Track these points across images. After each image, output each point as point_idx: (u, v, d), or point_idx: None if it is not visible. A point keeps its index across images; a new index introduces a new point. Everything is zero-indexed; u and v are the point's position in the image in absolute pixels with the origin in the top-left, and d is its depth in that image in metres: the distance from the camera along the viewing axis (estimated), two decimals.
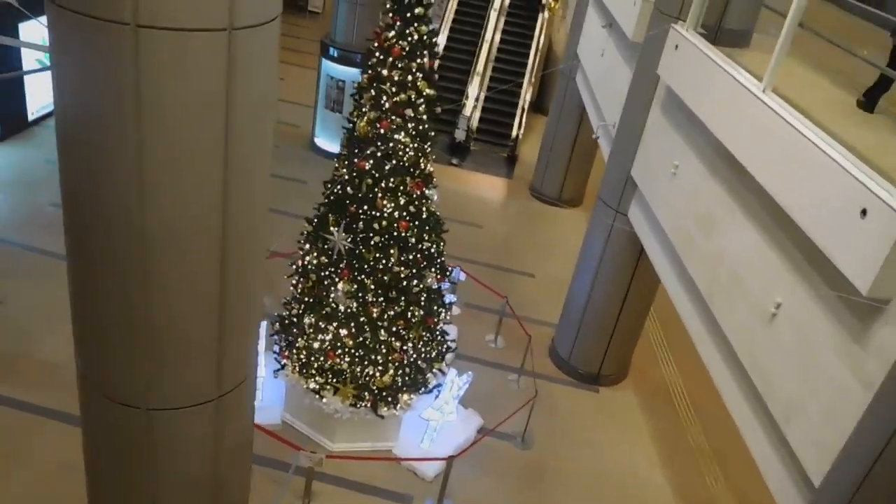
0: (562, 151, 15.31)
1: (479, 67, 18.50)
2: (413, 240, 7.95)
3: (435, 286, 8.60)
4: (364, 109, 7.63)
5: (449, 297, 10.49)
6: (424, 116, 7.66)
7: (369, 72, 7.55)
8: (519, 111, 18.21)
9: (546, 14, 19.72)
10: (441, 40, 19.24)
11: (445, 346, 9.10)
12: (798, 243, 5.50)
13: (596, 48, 12.22)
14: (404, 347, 8.36)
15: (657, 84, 8.64)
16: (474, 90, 18.18)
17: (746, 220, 6.36)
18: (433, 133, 7.87)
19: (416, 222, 7.95)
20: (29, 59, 13.87)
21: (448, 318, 9.11)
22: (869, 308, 4.58)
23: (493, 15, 19.40)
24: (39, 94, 14.60)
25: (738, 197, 6.58)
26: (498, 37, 19.41)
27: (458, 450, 8.80)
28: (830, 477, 4.70)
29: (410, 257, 8.02)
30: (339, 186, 7.93)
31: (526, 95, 18.50)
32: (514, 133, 17.88)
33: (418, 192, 7.89)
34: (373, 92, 7.51)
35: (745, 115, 6.12)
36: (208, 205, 3.89)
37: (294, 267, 8.61)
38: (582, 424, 10.10)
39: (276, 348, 8.92)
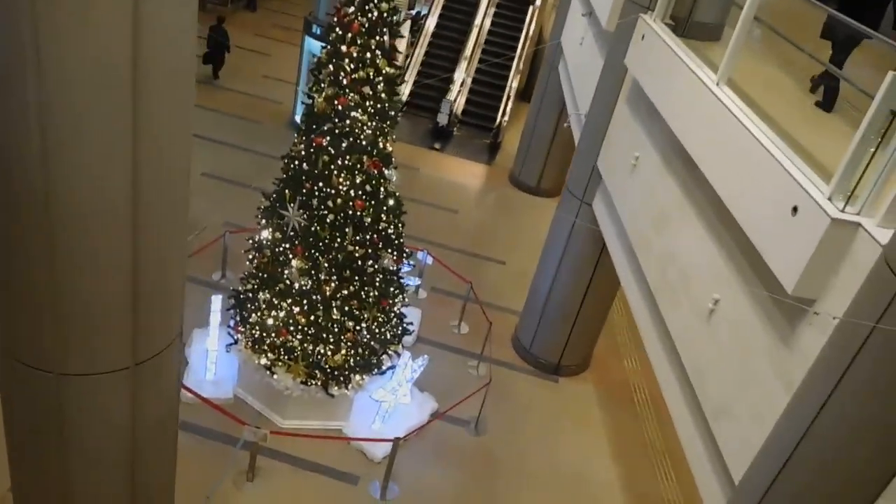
0: (542, 141, 15.19)
1: (468, 52, 18.33)
2: (369, 220, 7.87)
3: (392, 268, 8.53)
4: (323, 85, 7.54)
5: (413, 280, 10.44)
6: (384, 95, 7.55)
7: (329, 47, 7.45)
8: (505, 98, 18.05)
9: (538, 2, 19.54)
10: (431, 22, 19.08)
11: (401, 328, 9.04)
12: (739, 241, 5.44)
13: (576, 37, 12.11)
14: (357, 328, 8.30)
15: (625, 75, 8.54)
16: (460, 74, 18.02)
17: (694, 215, 6.30)
18: (393, 113, 7.78)
19: (373, 202, 7.87)
20: None
21: (406, 300, 9.05)
22: (795, 308, 4.53)
23: (484, 0, 19.23)
24: None
25: (688, 191, 6.52)
26: (488, 22, 19.25)
27: (409, 432, 8.78)
28: (748, 475, 4.67)
29: (366, 237, 7.94)
30: (296, 162, 7.84)
31: (513, 83, 18.33)
32: (498, 120, 17.72)
33: (376, 172, 7.80)
34: (331, 68, 7.41)
35: (698, 107, 6.05)
36: (117, 171, 3.80)
37: (251, 242, 8.54)
38: (538, 414, 10.06)
39: (231, 323, 8.86)
